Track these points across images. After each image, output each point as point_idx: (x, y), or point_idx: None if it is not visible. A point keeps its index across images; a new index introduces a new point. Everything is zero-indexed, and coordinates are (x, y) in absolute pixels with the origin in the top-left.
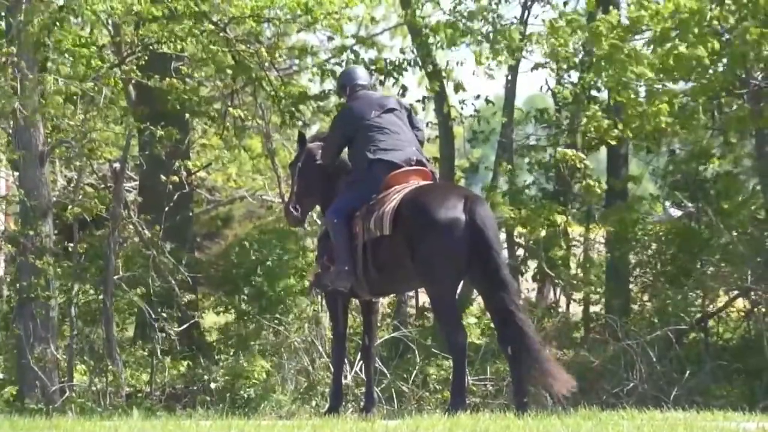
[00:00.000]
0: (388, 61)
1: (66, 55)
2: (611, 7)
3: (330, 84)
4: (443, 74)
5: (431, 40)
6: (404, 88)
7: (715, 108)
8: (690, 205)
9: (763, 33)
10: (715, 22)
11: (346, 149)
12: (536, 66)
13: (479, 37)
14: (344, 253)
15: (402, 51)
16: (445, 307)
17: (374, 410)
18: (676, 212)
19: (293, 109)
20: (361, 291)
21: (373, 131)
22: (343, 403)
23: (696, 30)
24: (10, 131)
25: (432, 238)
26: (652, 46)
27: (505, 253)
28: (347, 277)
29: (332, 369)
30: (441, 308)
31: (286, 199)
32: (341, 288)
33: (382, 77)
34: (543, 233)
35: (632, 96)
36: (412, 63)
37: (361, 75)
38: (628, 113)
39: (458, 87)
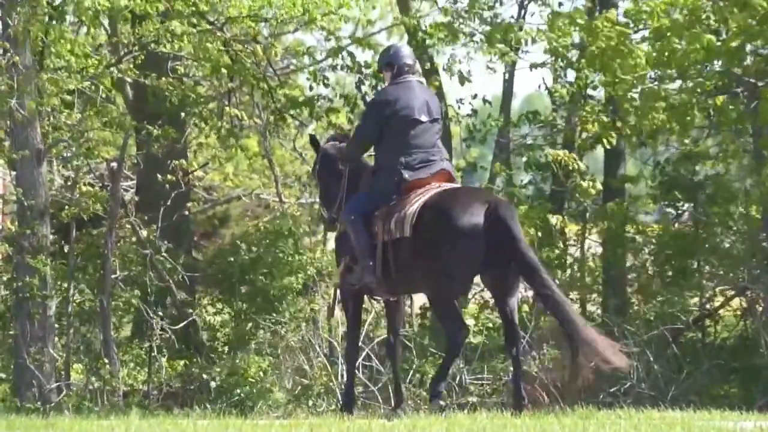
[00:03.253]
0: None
1: (62, 54)
2: (611, 8)
3: (322, 89)
4: (446, 69)
5: (428, 41)
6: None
7: (711, 107)
8: (685, 206)
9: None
10: (711, 19)
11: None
12: (534, 65)
13: (476, 38)
14: (367, 248)
15: None
16: (452, 306)
17: (404, 406)
18: (671, 212)
19: (283, 114)
20: (380, 291)
21: (410, 137)
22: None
23: (690, 27)
24: (8, 130)
25: (454, 242)
26: (647, 43)
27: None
28: (373, 271)
29: (345, 369)
30: (448, 306)
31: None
32: (369, 283)
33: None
34: (538, 233)
35: (629, 95)
36: None
37: (409, 54)
38: (624, 108)
39: (463, 79)
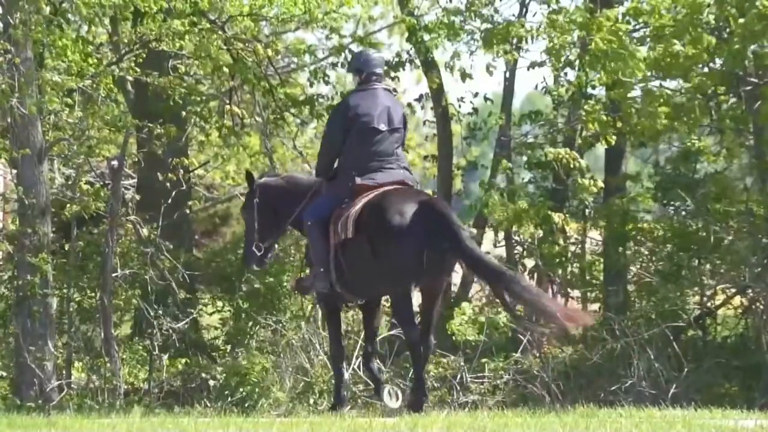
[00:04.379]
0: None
1: (63, 54)
2: (611, 7)
3: (324, 88)
4: (448, 65)
5: (427, 39)
6: (395, 91)
7: (713, 107)
8: (685, 203)
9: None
10: (712, 18)
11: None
12: (533, 64)
13: (476, 36)
14: (320, 254)
15: (398, 54)
16: (403, 308)
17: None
18: (670, 210)
19: (283, 113)
20: (345, 293)
21: (368, 144)
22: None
23: (692, 25)
24: (9, 129)
25: (389, 242)
26: (647, 45)
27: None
28: (324, 278)
29: (332, 367)
30: (399, 308)
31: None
32: (321, 290)
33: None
34: (538, 231)
35: (628, 95)
36: (407, 62)
37: (378, 63)
38: (626, 111)
39: (465, 75)
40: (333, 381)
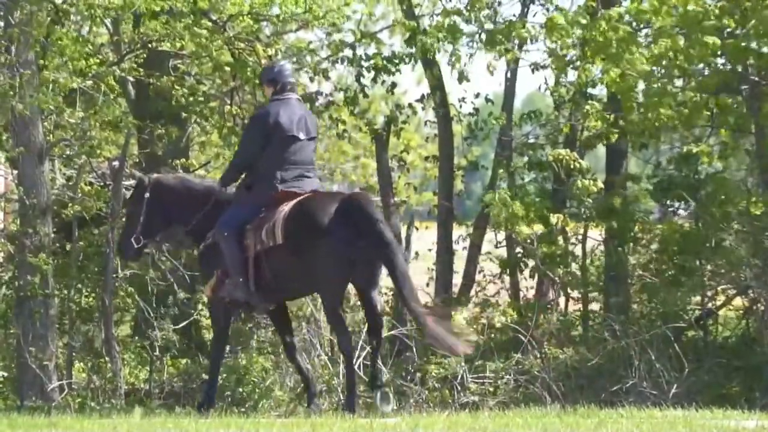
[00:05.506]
0: (383, 56)
1: (62, 53)
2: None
3: (325, 86)
4: (451, 65)
5: (428, 40)
6: (393, 85)
7: (714, 106)
8: (687, 204)
9: None
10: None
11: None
12: (535, 66)
13: (477, 37)
14: (238, 264)
15: (396, 54)
16: (334, 312)
17: (317, 401)
18: (671, 210)
19: None
20: (254, 301)
21: (288, 153)
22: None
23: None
24: (10, 129)
25: (315, 246)
26: (651, 40)
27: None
28: (243, 288)
29: (209, 371)
30: (331, 312)
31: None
32: (239, 299)
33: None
34: (537, 231)
35: (631, 92)
36: (407, 60)
37: (292, 73)
38: (627, 106)
39: (462, 77)
40: (208, 383)
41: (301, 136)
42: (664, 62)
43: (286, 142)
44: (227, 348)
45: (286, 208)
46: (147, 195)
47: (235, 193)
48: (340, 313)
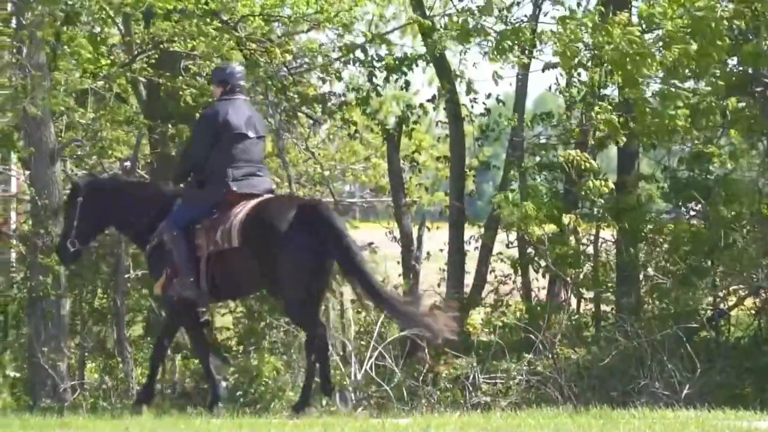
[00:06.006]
0: (396, 56)
1: (76, 53)
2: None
3: (337, 87)
4: (456, 73)
5: (440, 41)
6: (407, 83)
7: (726, 108)
8: (699, 204)
9: None
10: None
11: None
12: (547, 66)
13: (490, 37)
14: (188, 263)
15: (408, 55)
16: (299, 313)
17: (218, 409)
18: (683, 211)
19: (296, 111)
20: (202, 300)
21: (238, 151)
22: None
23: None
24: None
25: (276, 250)
26: (661, 43)
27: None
28: (193, 287)
29: (150, 366)
30: (295, 314)
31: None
32: (189, 297)
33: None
34: (548, 231)
35: (643, 95)
36: (419, 61)
37: (243, 75)
38: (640, 110)
39: (469, 89)
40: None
41: (251, 134)
42: (676, 65)
43: (236, 139)
44: (173, 339)
45: (242, 210)
46: (80, 199)
47: (184, 191)
48: (307, 312)
